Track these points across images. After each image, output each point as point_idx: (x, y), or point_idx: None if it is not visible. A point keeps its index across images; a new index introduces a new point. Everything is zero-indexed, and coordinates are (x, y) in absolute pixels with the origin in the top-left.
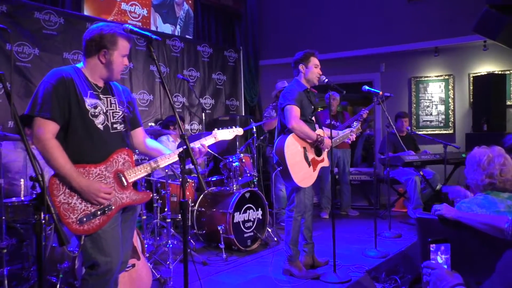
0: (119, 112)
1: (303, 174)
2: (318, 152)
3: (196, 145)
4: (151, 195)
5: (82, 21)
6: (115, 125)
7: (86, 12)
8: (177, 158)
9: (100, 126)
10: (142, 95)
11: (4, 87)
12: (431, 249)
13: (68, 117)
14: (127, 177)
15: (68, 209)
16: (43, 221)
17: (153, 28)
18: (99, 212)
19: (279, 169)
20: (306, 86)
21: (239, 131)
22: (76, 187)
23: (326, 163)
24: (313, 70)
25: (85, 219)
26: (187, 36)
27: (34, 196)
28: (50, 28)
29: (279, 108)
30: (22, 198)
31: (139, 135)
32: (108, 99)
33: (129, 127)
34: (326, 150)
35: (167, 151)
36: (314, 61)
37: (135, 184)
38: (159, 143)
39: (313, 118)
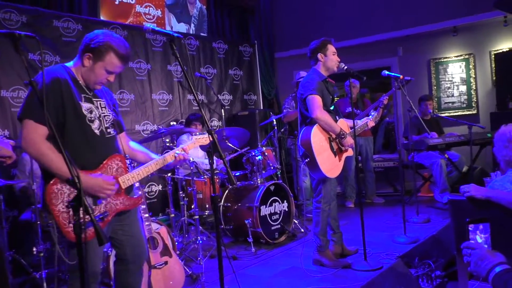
0: (109, 116)
1: (330, 165)
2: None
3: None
4: (142, 200)
5: (99, 26)
6: (108, 130)
7: (103, 17)
8: (166, 162)
9: (97, 132)
10: (162, 95)
11: (36, 93)
12: (469, 229)
13: (63, 121)
14: (121, 183)
15: (66, 218)
16: (82, 222)
17: (168, 28)
18: (95, 219)
19: (305, 161)
20: (324, 76)
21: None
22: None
23: (350, 152)
24: (332, 58)
25: (83, 227)
26: (202, 34)
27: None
28: (69, 35)
29: (299, 99)
30: None
31: (123, 138)
32: (99, 102)
33: (118, 131)
34: (347, 147)
35: (152, 155)
36: (332, 48)
37: (128, 189)
38: (179, 142)
39: (331, 108)
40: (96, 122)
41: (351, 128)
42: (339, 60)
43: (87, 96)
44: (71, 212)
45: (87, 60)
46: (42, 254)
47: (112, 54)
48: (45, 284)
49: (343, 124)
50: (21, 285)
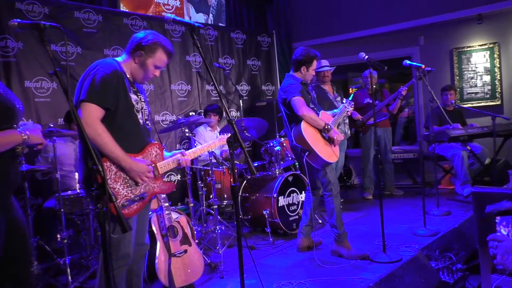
0: (147, 110)
1: (327, 151)
2: None
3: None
4: (175, 186)
5: (119, 17)
6: (147, 122)
7: (123, 8)
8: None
9: (141, 121)
10: (180, 86)
11: (60, 83)
12: (497, 221)
13: (116, 109)
14: (159, 169)
15: (115, 193)
16: (106, 210)
17: (186, 18)
18: (137, 198)
19: (306, 155)
20: (301, 79)
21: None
22: (126, 166)
23: (341, 136)
24: (311, 73)
25: (126, 203)
26: (220, 24)
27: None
28: (90, 26)
29: (281, 104)
30: (78, 191)
31: None
32: (140, 97)
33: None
34: (335, 138)
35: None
36: (315, 65)
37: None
38: (196, 133)
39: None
40: (140, 113)
41: (332, 116)
42: (314, 74)
43: (133, 89)
44: (116, 189)
45: (138, 58)
46: (65, 241)
47: (161, 51)
48: (68, 270)
49: (326, 116)
50: (45, 271)
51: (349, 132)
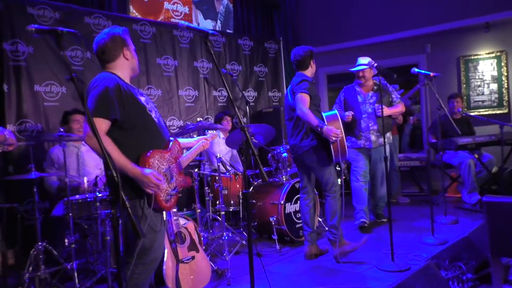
0: (155, 108)
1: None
2: None
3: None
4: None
5: (129, 23)
6: (160, 119)
7: (133, 13)
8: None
9: (156, 120)
10: (188, 91)
11: (76, 88)
12: None
13: (129, 116)
14: (182, 163)
15: (159, 190)
16: (119, 215)
17: (194, 24)
18: (173, 192)
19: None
20: (311, 78)
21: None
22: (131, 175)
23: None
24: (315, 67)
25: (168, 197)
26: (228, 31)
27: (97, 194)
28: (100, 32)
29: (292, 100)
30: (86, 195)
31: None
32: (144, 96)
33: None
34: (332, 137)
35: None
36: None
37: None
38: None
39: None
40: (153, 112)
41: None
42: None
43: (138, 91)
44: (163, 186)
45: (127, 52)
46: (73, 245)
47: (127, 36)
48: (76, 274)
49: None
50: (52, 275)
51: (379, 140)
